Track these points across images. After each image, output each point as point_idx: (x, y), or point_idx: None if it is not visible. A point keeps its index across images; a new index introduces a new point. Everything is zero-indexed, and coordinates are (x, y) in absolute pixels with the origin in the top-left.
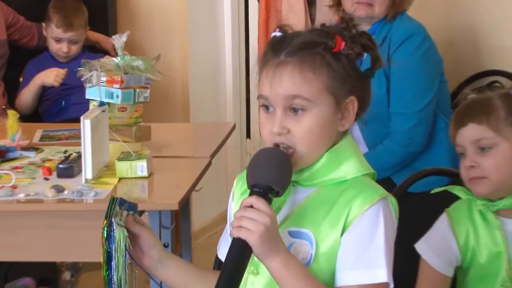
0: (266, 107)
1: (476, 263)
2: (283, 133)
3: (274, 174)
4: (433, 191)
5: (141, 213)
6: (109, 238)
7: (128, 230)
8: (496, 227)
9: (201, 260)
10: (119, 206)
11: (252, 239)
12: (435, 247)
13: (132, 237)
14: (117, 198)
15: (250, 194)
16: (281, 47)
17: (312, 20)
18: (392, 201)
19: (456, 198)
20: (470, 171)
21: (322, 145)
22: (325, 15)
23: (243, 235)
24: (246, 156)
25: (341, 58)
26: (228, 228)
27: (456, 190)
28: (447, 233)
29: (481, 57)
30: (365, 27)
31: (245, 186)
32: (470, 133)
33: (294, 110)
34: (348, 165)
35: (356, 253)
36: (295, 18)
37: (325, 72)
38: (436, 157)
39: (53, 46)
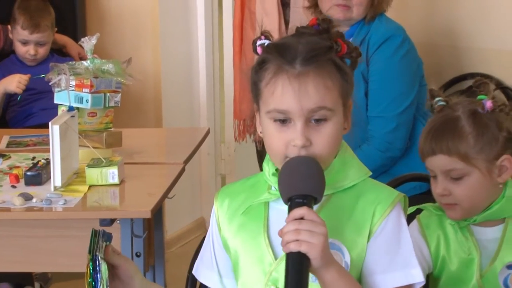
0: (282, 120)
1: (447, 271)
2: (307, 145)
3: (311, 182)
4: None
5: (112, 221)
6: (95, 273)
7: (107, 262)
8: (468, 235)
9: (175, 269)
10: (101, 239)
11: (315, 252)
12: None
13: (111, 269)
14: (99, 231)
15: (294, 206)
16: (290, 55)
17: (286, 22)
18: (402, 199)
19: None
20: (442, 198)
21: (335, 151)
22: (300, 16)
23: (304, 249)
24: (221, 161)
25: (345, 61)
26: (210, 251)
27: (427, 208)
28: (418, 239)
29: (461, 60)
30: (343, 28)
31: (236, 202)
32: (440, 163)
33: (316, 121)
34: (354, 169)
35: (389, 255)
36: (269, 19)
37: (339, 78)
38: (415, 162)
39: (20, 49)
